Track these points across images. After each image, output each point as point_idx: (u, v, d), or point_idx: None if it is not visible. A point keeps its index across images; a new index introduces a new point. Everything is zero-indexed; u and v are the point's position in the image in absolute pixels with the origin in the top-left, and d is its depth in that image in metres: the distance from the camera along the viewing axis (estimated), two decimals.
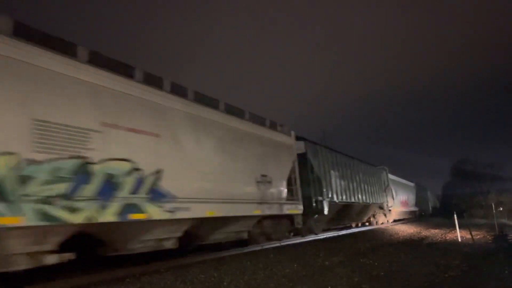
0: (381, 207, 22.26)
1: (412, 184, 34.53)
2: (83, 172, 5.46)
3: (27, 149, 4.84)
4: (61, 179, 5.14)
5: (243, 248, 10.04)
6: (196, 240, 8.78)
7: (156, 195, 6.61)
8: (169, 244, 7.34)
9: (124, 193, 6.02)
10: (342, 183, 15.89)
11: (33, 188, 4.80)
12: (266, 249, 10.03)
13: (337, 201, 14.84)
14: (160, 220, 6.76)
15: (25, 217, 4.68)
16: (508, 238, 15.92)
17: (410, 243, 13.52)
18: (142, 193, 6.36)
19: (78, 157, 5.43)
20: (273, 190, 10.31)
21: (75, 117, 5.53)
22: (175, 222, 7.17)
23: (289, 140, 12.14)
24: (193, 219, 7.63)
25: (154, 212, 6.50)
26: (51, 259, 5.25)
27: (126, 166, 6.15)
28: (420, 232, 18.53)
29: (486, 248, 12.93)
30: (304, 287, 6.25)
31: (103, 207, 5.65)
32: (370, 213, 21.43)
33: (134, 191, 6.23)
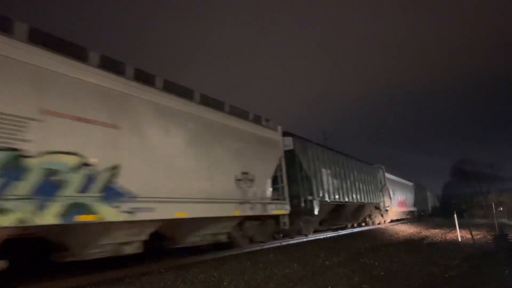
0: (377, 207, 21.46)
1: (410, 183, 33.70)
2: (15, 167, 4.69)
3: None
4: None
5: (243, 248, 9.61)
6: (170, 243, 8.06)
7: (111, 194, 5.84)
8: (131, 249, 6.59)
9: (69, 192, 5.25)
10: (335, 181, 15.11)
11: None
12: (266, 249, 9.81)
13: (328, 201, 14.08)
14: (118, 222, 6.02)
15: None
16: (508, 238, 15.48)
17: (410, 243, 13.39)
18: (93, 192, 5.59)
19: (9, 149, 4.67)
20: (256, 188, 9.56)
21: (7, 103, 4.77)
22: (137, 224, 6.42)
23: (275, 135, 11.39)
24: (160, 220, 6.88)
25: (108, 213, 5.73)
26: None
27: (72, 160, 5.37)
28: (420, 232, 18.35)
29: (486, 248, 12.79)
30: (304, 287, 6.20)
31: (41, 208, 4.87)
32: (366, 213, 20.59)
33: (83, 189, 5.46)
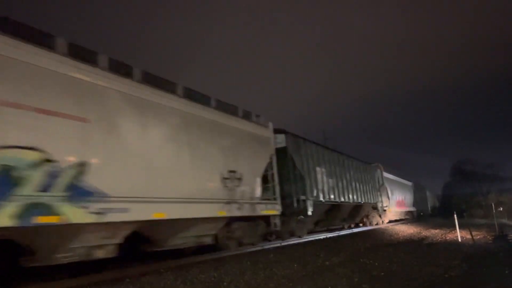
0: (374, 207, 20.90)
1: (409, 183, 33.07)
2: None
3: None
4: None
5: (243, 248, 9.41)
6: (151, 246, 7.60)
7: (78, 193, 5.36)
8: (104, 253, 6.13)
9: (27, 191, 4.78)
10: (330, 180, 14.55)
11: None
12: (266, 249, 9.70)
13: (323, 201, 13.55)
14: (88, 224, 5.54)
15: None
16: (508, 238, 15.49)
17: (410, 243, 13.36)
18: (56, 191, 5.11)
19: None
20: (244, 188, 9.07)
21: None
22: (109, 226, 5.93)
23: (266, 132, 10.88)
24: (136, 222, 6.40)
25: (74, 214, 5.24)
26: None
27: (31, 156, 4.89)
28: (420, 232, 18.22)
29: (486, 248, 12.68)
30: (304, 287, 6.16)
31: None
32: (363, 214, 20.03)
33: (44, 188, 4.98)
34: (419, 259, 9.48)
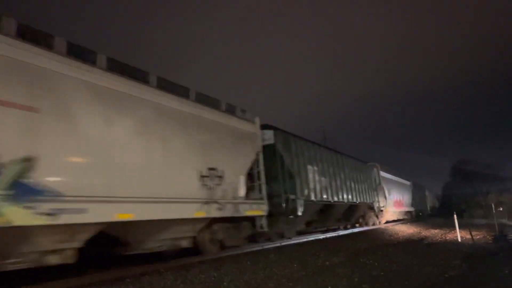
0: (371, 207, 20.16)
1: (408, 182, 32.20)
2: None
3: None
4: None
5: (243, 248, 9.22)
6: (124, 249, 7.06)
7: (23, 192, 4.72)
8: (60, 258, 5.49)
9: None
10: (323, 179, 13.78)
11: None
12: (266, 249, 9.61)
13: (315, 200, 12.82)
14: (38, 227, 4.93)
15: None
16: (508, 238, 15.39)
17: (410, 243, 13.35)
18: None
19: None
20: (225, 186, 8.42)
21: None
22: (66, 229, 5.31)
23: (252, 127, 10.24)
24: (100, 224, 5.79)
25: (17, 215, 4.61)
26: None
27: None
28: (420, 232, 18.13)
29: (486, 248, 12.75)
30: (304, 287, 6.18)
31: None
32: (359, 214, 19.18)
33: None
34: (419, 259, 9.48)
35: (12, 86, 4.89)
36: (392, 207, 24.49)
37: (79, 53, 5.98)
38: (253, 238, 10.62)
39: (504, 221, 30.32)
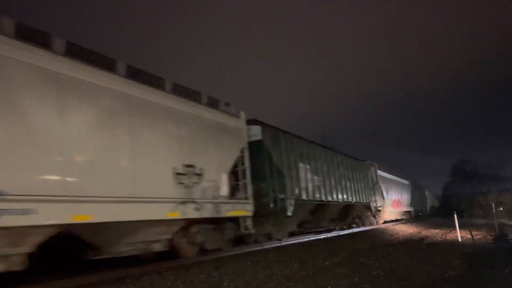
0: (368, 207, 19.52)
1: (407, 182, 31.52)
2: None
3: None
4: None
5: (243, 248, 9.11)
6: (92, 253, 6.56)
7: None
8: (6, 265, 4.89)
9: None
10: (316, 178, 13.08)
11: None
12: (266, 249, 9.60)
13: (307, 200, 12.18)
14: None
15: None
16: (508, 238, 15.41)
17: (410, 243, 13.37)
18: None
19: None
20: (205, 185, 7.81)
21: None
22: (9, 232, 4.75)
23: (237, 122, 9.52)
24: (52, 226, 5.25)
25: None
26: None
27: None
28: (420, 232, 18.15)
29: (486, 248, 12.74)
30: (304, 287, 6.18)
31: None
32: (355, 214, 18.49)
33: None
34: (419, 259, 9.45)
35: None
36: (390, 207, 24.06)
37: (32, 35, 5.39)
38: (241, 240, 10.10)
39: (504, 221, 30.19)
